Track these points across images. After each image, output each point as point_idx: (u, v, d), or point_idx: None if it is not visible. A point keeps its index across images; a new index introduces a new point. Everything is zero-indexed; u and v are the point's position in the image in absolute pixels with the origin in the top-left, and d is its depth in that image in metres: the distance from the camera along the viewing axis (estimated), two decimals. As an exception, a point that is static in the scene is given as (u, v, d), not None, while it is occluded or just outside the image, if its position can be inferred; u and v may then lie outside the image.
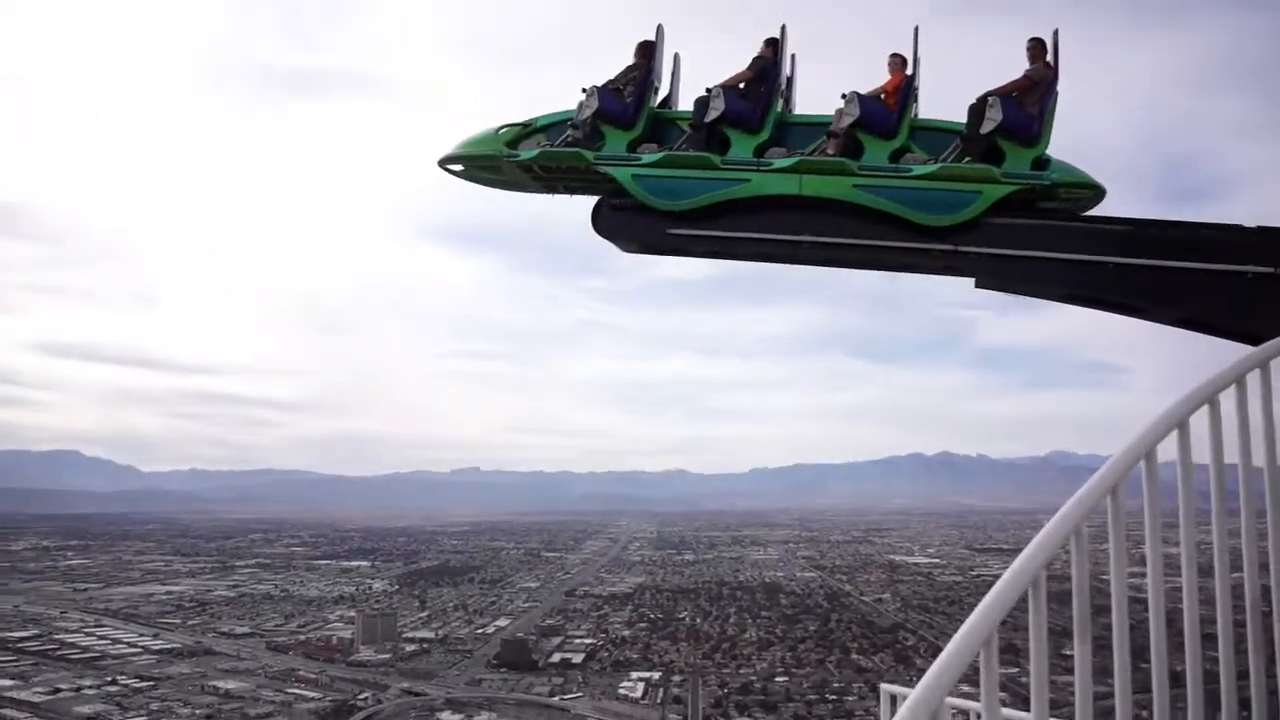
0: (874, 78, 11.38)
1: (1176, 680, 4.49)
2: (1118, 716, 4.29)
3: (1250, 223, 10.29)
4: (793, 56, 11.75)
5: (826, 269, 12.02)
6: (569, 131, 11.44)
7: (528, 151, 11.38)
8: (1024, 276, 10.94)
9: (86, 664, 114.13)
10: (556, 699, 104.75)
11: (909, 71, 11.23)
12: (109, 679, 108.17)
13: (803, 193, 10.94)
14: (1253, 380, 5.21)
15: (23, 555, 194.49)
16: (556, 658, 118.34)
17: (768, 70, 11.47)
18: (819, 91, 11.81)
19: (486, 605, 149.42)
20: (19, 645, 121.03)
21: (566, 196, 11.84)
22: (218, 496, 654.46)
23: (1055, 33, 11.02)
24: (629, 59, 11.76)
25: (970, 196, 10.73)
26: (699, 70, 11.88)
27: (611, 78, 11.55)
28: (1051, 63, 10.98)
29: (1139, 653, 4.35)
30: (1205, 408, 4.92)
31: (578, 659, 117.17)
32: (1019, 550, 4.25)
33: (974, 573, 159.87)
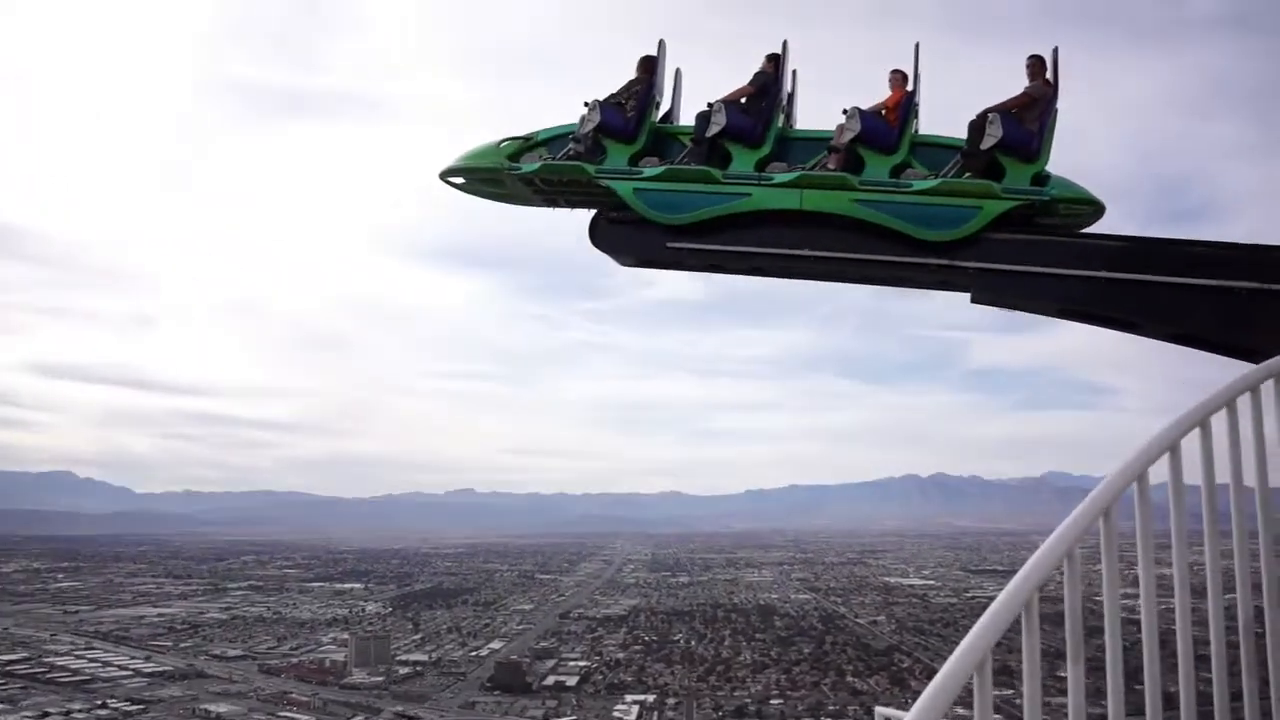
0: (875, 93, 11.45)
1: (1170, 702, 4.49)
2: None
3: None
4: (794, 72, 11.80)
5: (822, 285, 12.10)
6: (571, 145, 11.47)
7: (529, 165, 11.41)
8: (1019, 291, 10.96)
9: (76, 687, 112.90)
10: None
11: (910, 87, 11.29)
12: (99, 702, 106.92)
13: (804, 207, 10.97)
14: (1244, 403, 5.24)
15: (13, 577, 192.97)
16: (550, 680, 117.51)
17: (769, 85, 11.52)
18: (820, 107, 11.88)
19: (480, 627, 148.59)
20: (8, 668, 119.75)
21: (567, 210, 11.86)
22: (212, 518, 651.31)
23: (1055, 50, 11.09)
24: (630, 74, 11.82)
25: (970, 212, 10.76)
26: (700, 85, 11.95)
27: (613, 92, 11.61)
28: (1051, 80, 11.05)
29: (1133, 674, 4.38)
30: (1197, 430, 4.97)
31: (572, 682, 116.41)
32: (1014, 572, 4.31)
33: (969, 594, 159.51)
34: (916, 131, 11.33)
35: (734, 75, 11.64)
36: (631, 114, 11.50)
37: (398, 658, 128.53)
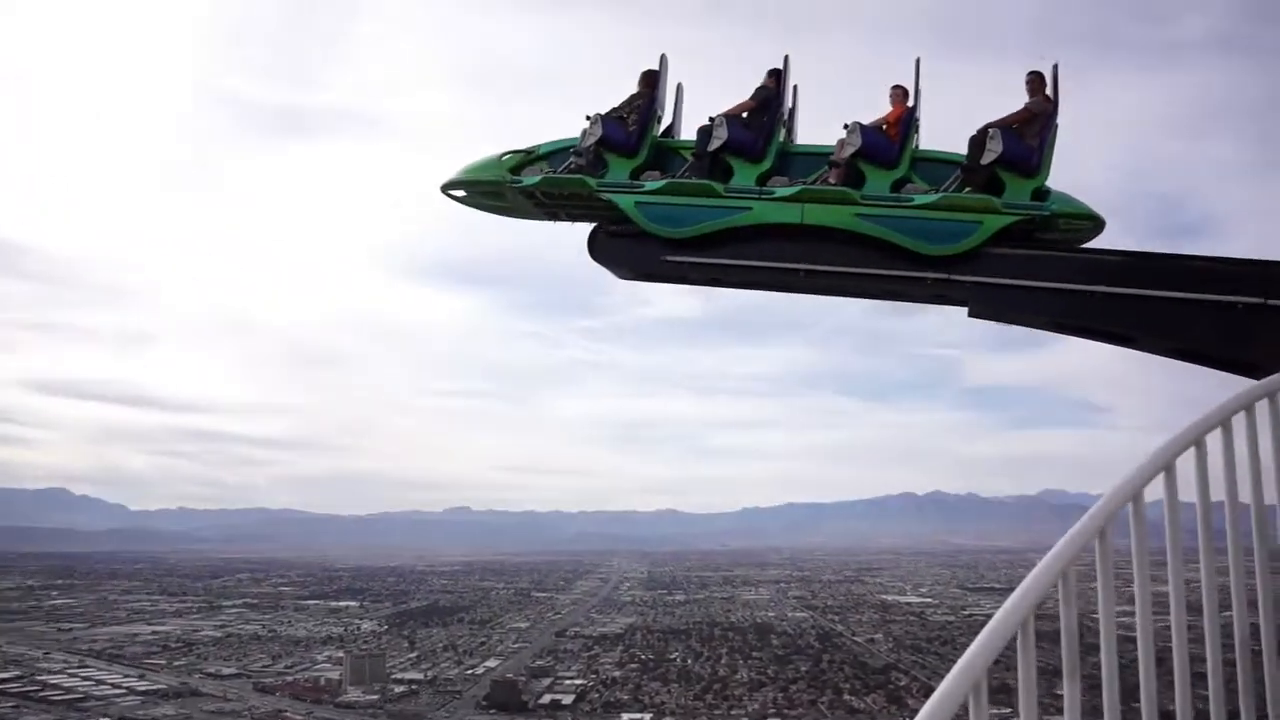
0: (876, 109, 11.49)
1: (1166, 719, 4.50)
2: None
3: None
4: (795, 87, 11.86)
5: (821, 301, 12.12)
6: (572, 158, 11.50)
7: (531, 178, 11.43)
8: (1016, 305, 10.99)
9: (69, 705, 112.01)
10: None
11: (910, 103, 11.34)
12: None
13: (804, 221, 11.00)
14: (1239, 422, 5.25)
15: (6, 594, 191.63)
16: (546, 699, 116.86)
17: (770, 100, 11.58)
18: (821, 122, 11.92)
19: (476, 646, 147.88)
20: (1, 687, 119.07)
21: (568, 224, 11.89)
22: (207, 535, 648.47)
23: (1055, 66, 11.14)
24: (631, 89, 11.87)
25: (971, 226, 10.79)
26: (702, 100, 11.99)
27: (615, 106, 11.65)
28: (1051, 95, 11.10)
29: (1129, 692, 4.36)
30: (1192, 449, 4.97)
31: (568, 700, 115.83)
32: (1011, 589, 4.28)
33: (966, 612, 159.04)
34: (917, 146, 11.38)
35: (735, 90, 11.68)
36: (633, 128, 11.54)
37: (393, 676, 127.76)
